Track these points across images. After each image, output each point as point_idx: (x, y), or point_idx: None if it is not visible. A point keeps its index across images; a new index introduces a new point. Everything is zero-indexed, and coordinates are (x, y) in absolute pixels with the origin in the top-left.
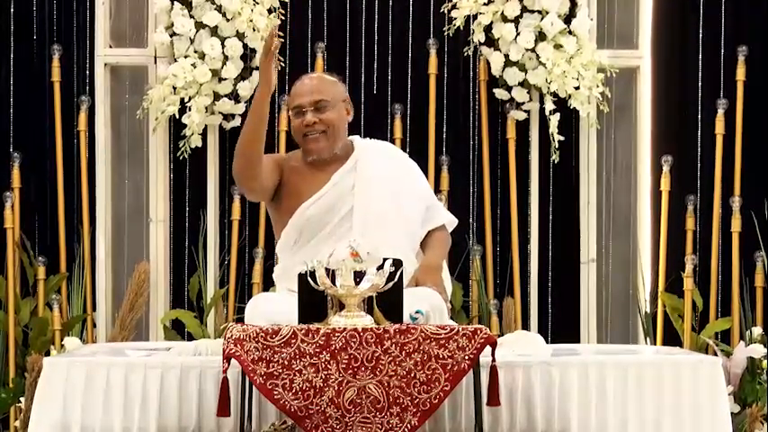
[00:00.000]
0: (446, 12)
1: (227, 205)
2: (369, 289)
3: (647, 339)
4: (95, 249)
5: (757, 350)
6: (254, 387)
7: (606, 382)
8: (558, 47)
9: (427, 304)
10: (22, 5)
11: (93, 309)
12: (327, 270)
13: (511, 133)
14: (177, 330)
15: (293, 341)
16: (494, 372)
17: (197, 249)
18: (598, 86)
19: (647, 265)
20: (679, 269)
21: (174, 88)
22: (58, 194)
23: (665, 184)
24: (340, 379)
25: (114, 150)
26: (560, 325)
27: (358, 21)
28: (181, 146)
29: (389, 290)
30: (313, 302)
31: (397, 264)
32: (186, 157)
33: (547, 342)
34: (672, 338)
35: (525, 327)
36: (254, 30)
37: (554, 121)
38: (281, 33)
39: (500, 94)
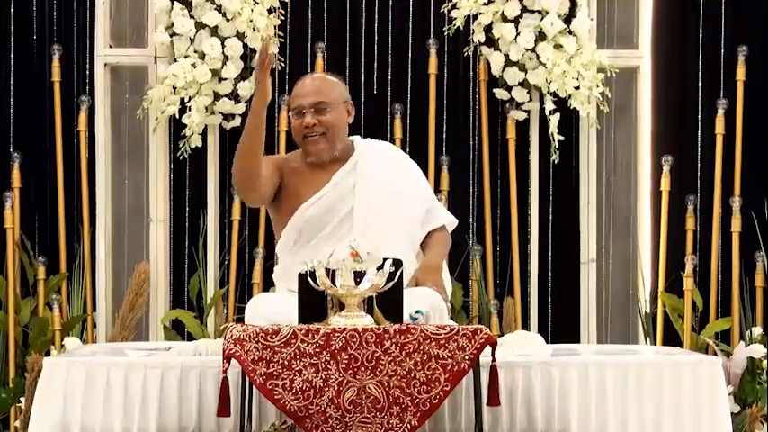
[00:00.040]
0: (446, 12)
1: (227, 205)
2: (369, 289)
3: (647, 339)
4: (95, 249)
5: (757, 350)
6: (254, 387)
7: (606, 382)
8: (558, 47)
9: (427, 304)
10: (22, 5)
11: (94, 309)
12: (327, 270)
13: (511, 133)
14: (177, 330)
15: (293, 341)
16: (494, 372)
17: (197, 249)
18: (598, 86)
19: (647, 265)
20: (679, 269)
21: (174, 88)
22: (58, 194)
23: (665, 184)
24: (340, 379)
25: (114, 150)
26: (560, 325)
27: (358, 21)
28: (181, 146)
29: (389, 290)
30: (313, 302)
31: (397, 264)
32: (186, 157)
33: (547, 342)
34: (672, 338)
35: (525, 327)
36: (254, 30)
37: (554, 121)
38: (281, 34)
39: (500, 94)
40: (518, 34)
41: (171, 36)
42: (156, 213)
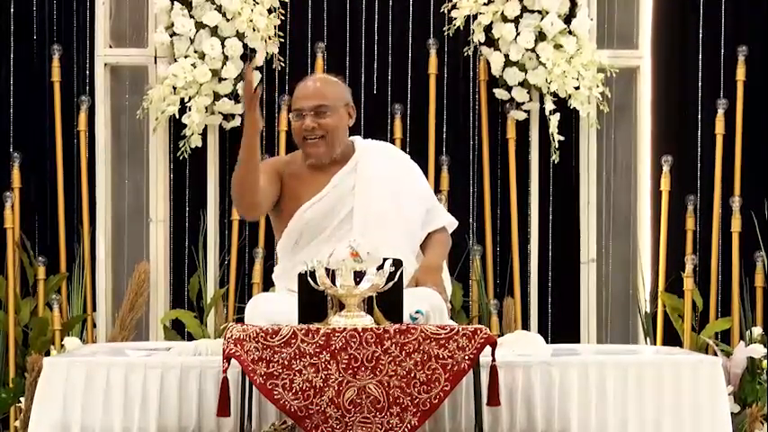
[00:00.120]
0: (446, 12)
1: (227, 205)
2: (369, 289)
3: (647, 339)
4: (95, 249)
5: (757, 350)
6: (254, 387)
7: (606, 382)
8: (558, 47)
9: (427, 304)
10: (22, 5)
11: (94, 309)
12: (327, 270)
13: (511, 133)
14: (177, 330)
15: (293, 341)
16: (494, 372)
17: (197, 249)
18: (598, 86)
19: (647, 265)
20: (679, 269)
21: (174, 88)
22: (58, 194)
23: (665, 184)
24: (340, 379)
25: (114, 150)
26: (560, 325)
27: (358, 21)
28: (181, 146)
29: (389, 290)
30: (313, 302)
31: (397, 264)
32: (186, 157)
33: (547, 342)
34: (672, 338)
35: (525, 327)
36: (254, 30)
37: (554, 121)
38: (281, 34)
39: (500, 94)
40: (518, 34)
41: (171, 36)
42: (156, 213)
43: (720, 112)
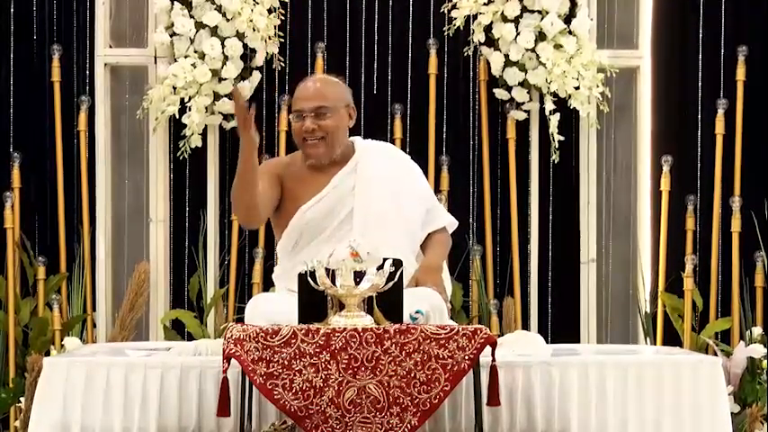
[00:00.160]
0: (446, 12)
1: (227, 205)
2: (369, 289)
3: (647, 339)
4: (95, 249)
5: (757, 350)
6: (254, 387)
7: (606, 382)
8: (558, 47)
9: (427, 304)
10: (22, 5)
11: (93, 309)
12: (327, 270)
13: (511, 133)
14: (177, 330)
15: (293, 341)
16: (494, 372)
17: (197, 249)
18: (598, 86)
19: (647, 265)
20: (679, 269)
21: (174, 88)
22: (58, 194)
23: (665, 184)
24: (340, 379)
25: (114, 150)
26: (560, 325)
27: (358, 21)
28: (181, 146)
29: (389, 290)
30: (313, 302)
31: (397, 264)
32: (186, 157)
33: (547, 342)
34: (672, 338)
35: (525, 327)
36: (254, 30)
37: (554, 121)
38: (281, 34)
39: (500, 94)
40: (518, 34)
41: (171, 36)
42: (156, 213)
43: (720, 112)
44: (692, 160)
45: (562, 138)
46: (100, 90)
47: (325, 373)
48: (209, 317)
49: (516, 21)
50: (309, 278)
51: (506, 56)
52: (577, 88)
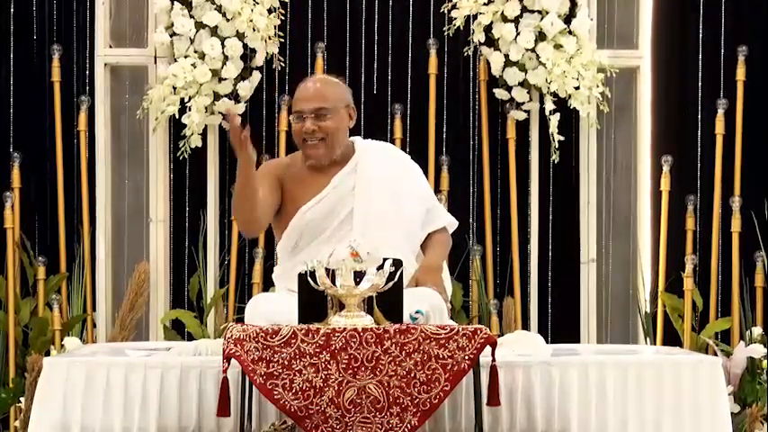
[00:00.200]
0: (446, 12)
1: (227, 205)
2: (369, 289)
3: (647, 339)
4: (95, 249)
5: (757, 350)
6: (254, 387)
7: (606, 382)
8: (558, 47)
9: (427, 304)
10: (22, 5)
11: (93, 309)
12: (327, 270)
13: (511, 133)
14: (177, 330)
15: (293, 341)
16: (494, 372)
17: (197, 249)
18: (598, 86)
19: (647, 265)
20: (679, 269)
21: (174, 88)
22: (58, 194)
23: (665, 184)
24: (340, 379)
25: (114, 150)
26: (560, 325)
27: (358, 21)
28: (181, 146)
29: (389, 290)
30: (313, 302)
31: (397, 264)
32: (186, 157)
33: (547, 342)
34: (672, 338)
35: (525, 327)
36: (254, 30)
37: (554, 121)
38: (281, 34)
39: (500, 94)
40: (518, 34)
41: (171, 36)
42: (156, 213)
43: (720, 112)
44: (692, 160)
45: (562, 138)
46: (100, 90)
47: (326, 373)
48: (209, 317)
49: (516, 21)
50: (309, 278)
51: (506, 56)
52: (577, 88)
